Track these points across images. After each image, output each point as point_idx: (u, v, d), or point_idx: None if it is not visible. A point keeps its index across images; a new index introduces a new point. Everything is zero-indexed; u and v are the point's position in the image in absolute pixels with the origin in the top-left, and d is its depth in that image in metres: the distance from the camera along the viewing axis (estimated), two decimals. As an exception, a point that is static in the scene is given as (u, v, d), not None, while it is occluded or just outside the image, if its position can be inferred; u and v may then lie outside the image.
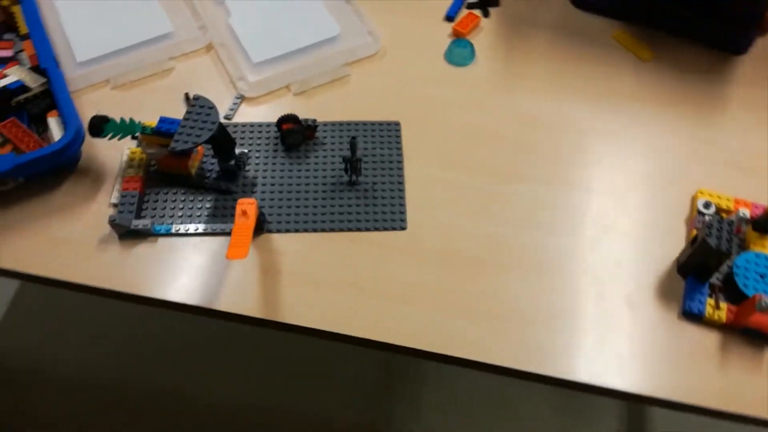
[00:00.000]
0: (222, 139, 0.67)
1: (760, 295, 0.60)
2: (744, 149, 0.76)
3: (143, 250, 0.66)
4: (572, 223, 0.70)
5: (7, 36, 0.78)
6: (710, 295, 0.65)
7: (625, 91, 0.81)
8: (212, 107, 0.65)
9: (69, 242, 0.66)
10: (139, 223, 0.66)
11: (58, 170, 0.70)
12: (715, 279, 0.66)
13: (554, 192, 0.72)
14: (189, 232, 0.67)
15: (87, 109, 0.75)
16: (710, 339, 0.64)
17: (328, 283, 0.65)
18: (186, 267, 0.65)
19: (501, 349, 0.62)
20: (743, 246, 0.68)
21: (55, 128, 0.70)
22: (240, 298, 0.64)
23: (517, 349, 0.62)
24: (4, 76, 0.72)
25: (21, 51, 0.77)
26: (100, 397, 1.29)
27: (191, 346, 1.36)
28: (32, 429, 1.25)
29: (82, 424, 1.26)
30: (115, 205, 0.68)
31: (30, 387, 1.30)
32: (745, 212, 0.69)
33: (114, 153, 0.72)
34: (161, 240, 0.67)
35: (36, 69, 0.73)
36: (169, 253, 0.66)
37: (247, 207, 0.62)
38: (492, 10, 0.88)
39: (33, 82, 0.72)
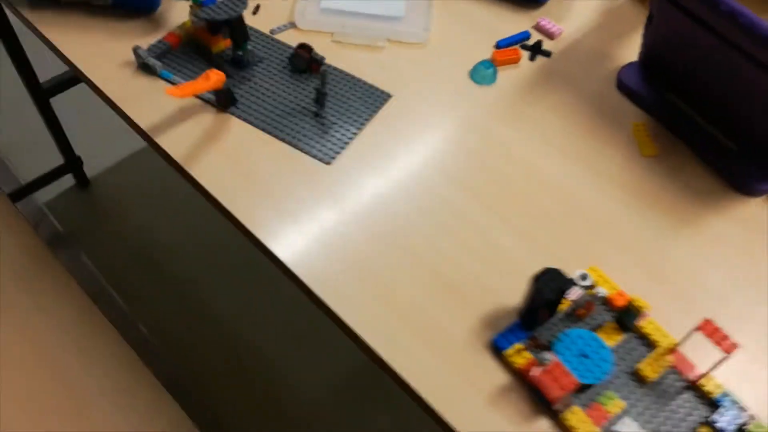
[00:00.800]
0: (238, 29, 0.83)
1: (559, 362, 0.62)
2: (675, 264, 0.75)
3: (148, 83, 0.85)
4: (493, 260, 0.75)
5: None
6: (524, 342, 0.67)
7: (611, 171, 0.82)
8: (243, 2, 0.82)
9: (112, 56, 0.87)
10: (152, 62, 0.84)
11: (140, 8, 0.92)
12: (541, 336, 0.68)
13: (482, 212, 0.78)
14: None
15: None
16: (497, 377, 0.66)
17: (247, 173, 0.78)
18: (166, 110, 0.83)
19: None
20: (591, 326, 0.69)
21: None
22: (180, 145, 0.79)
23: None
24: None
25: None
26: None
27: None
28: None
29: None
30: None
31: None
32: (604, 292, 0.69)
33: (182, 15, 0.92)
34: (163, 83, 0.85)
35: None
36: (162, 96, 0.84)
37: (213, 75, 0.77)
38: (539, 60, 0.94)
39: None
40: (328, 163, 0.80)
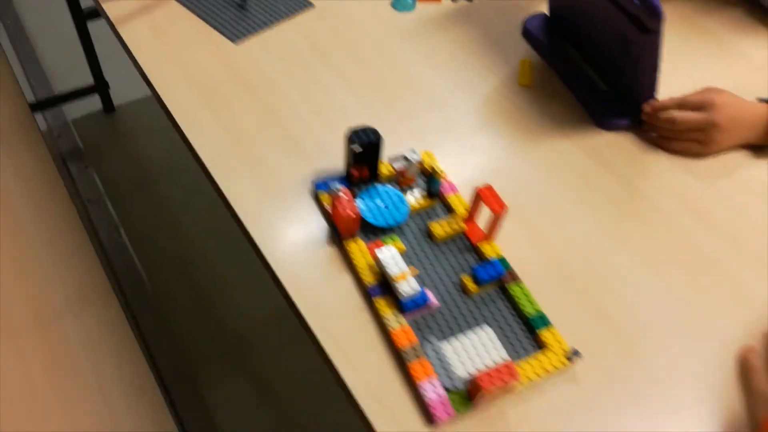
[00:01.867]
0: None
1: (350, 196, 0.71)
2: (511, 170, 0.83)
3: None
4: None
5: None
6: (336, 187, 0.76)
7: (483, 90, 0.92)
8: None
9: None
10: None
11: None
12: (357, 189, 0.77)
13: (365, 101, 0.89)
14: None
15: None
16: (310, 213, 0.76)
17: (172, 47, 0.93)
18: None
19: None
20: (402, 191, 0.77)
21: None
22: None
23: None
24: None
25: None
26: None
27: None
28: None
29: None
30: None
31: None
32: (416, 158, 0.77)
33: None
34: None
35: None
36: None
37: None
38: (461, 3, 1.05)
39: None
40: (234, 42, 0.93)
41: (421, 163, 0.77)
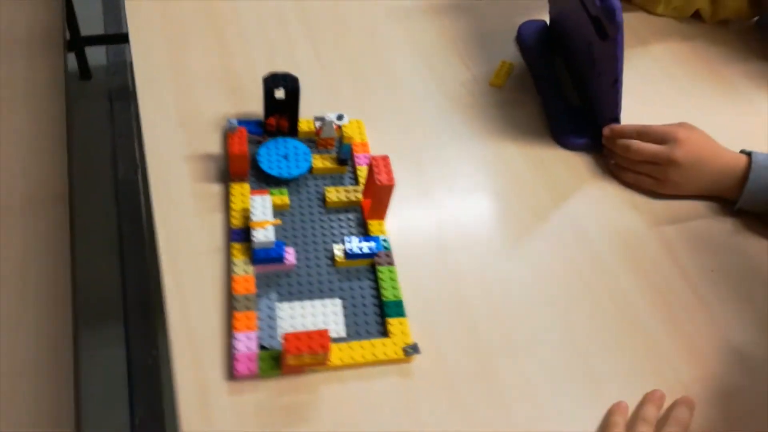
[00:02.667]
0: None
1: (244, 133, 0.69)
2: (447, 161, 0.78)
3: None
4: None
5: None
6: (234, 124, 0.73)
7: (448, 80, 0.87)
8: None
9: None
10: None
11: None
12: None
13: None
14: None
15: None
16: (216, 149, 0.74)
17: None
18: None
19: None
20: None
21: None
22: None
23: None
24: None
25: None
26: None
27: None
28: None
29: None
30: None
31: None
32: (334, 120, 0.73)
33: None
34: None
35: None
36: None
37: None
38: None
39: None
40: (221, -16, 0.93)
41: (339, 128, 0.74)
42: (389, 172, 0.65)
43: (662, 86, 0.92)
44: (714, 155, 0.74)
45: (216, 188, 0.70)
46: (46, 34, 1.14)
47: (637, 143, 0.75)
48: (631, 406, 0.59)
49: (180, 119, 0.76)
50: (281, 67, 0.73)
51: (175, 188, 0.70)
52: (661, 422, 0.57)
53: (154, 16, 0.88)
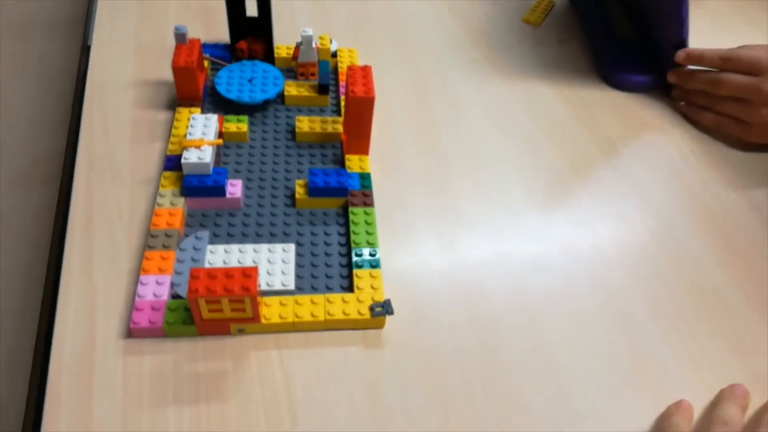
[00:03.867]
0: None
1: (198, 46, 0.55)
2: (473, 104, 0.61)
3: None
4: None
5: None
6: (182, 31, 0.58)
7: (474, 19, 0.71)
8: None
9: None
10: None
11: None
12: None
13: None
14: None
15: None
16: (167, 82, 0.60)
17: None
18: None
19: None
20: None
21: None
22: None
23: None
24: None
25: None
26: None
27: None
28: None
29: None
30: None
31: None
32: (309, 37, 0.58)
33: None
34: None
35: None
36: None
37: None
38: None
39: None
40: None
41: (318, 48, 0.58)
42: (368, 83, 0.49)
43: (739, 28, 0.73)
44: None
45: (162, 115, 0.56)
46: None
47: (719, 74, 0.56)
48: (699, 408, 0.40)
49: (137, 47, 0.63)
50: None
51: (113, 116, 0.56)
52: (750, 427, 0.38)
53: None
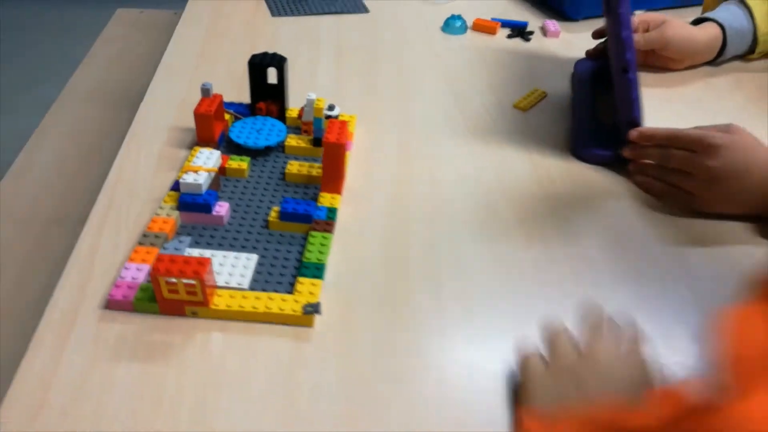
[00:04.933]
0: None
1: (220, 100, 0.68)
2: (438, 157, 0.71)
3: None
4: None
5: None
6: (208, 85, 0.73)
7: (473, 102, 0.81)
8: None
9: None
10: None
11: None
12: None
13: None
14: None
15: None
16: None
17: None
18: None
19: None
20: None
21: None
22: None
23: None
24: None
25: None
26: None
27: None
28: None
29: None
30: None
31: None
32: (311, 100, 0.69)
33: None
34: None
35: None
36: None
37: None
38: (516, 41, 0.97)
39: None
40: (272, 15, 0.98)
41: (329, 117, 0.70)
42: (342, 134, 0.60)
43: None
44: (763, 165, 0.60)
45: (183, 153, 0.68)
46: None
47: (668, 149, 0.63)
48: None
49: (179, 102, 0.77)
50: (305, 76, 0.72)
51: (145, 150, 0.69)
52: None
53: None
